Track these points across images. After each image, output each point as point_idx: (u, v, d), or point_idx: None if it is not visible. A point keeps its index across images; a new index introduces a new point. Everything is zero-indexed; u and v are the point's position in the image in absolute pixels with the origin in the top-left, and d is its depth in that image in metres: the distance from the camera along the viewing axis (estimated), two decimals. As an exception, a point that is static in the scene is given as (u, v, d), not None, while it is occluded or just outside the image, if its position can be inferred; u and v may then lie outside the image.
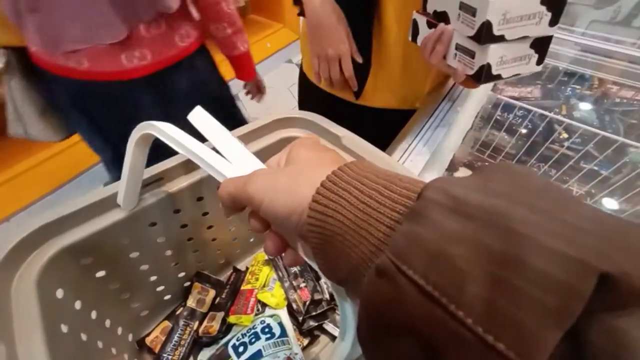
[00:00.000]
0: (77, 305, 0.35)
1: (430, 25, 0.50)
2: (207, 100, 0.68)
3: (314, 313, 0.47)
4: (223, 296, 0.50)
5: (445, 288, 0.12)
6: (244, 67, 0.91)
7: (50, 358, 0.26)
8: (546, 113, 0.61)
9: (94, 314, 0.37)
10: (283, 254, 0.23)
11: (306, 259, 0.22)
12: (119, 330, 0.42)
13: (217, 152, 0.28)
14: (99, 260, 0.37)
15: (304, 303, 0.47)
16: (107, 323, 0.39)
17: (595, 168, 0.64)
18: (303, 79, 0.81)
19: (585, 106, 0.79)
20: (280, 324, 0.46)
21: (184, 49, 0.74)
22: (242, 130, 0.43)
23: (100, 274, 0.38)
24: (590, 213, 0.12)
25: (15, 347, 0.26)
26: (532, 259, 0.11)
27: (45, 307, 0.29)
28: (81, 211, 0.33)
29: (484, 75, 0.46)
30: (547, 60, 0.66)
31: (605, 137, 0.56)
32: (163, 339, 0.45)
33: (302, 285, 0.49)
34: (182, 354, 0.44)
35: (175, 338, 0.45)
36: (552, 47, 0.59)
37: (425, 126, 0.66)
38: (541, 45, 0.46)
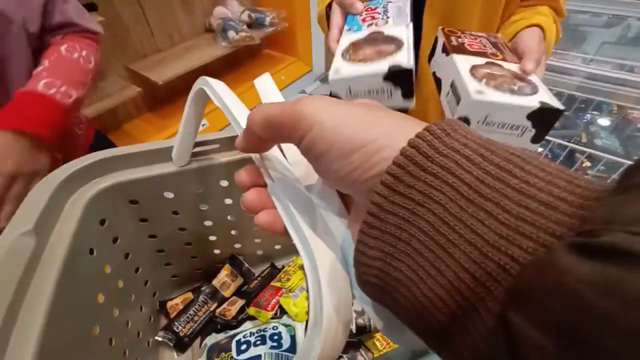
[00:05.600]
0: (114, 240, 0.37)
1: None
2: None
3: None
4: (251, 286, 0.48)
5: None
6: None
7: (66, 272, 0.28)
8: (565, 143, 0.63)
9: (127, 255, 0.39)
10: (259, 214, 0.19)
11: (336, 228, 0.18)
12: (146, 283, 0.43)
13: None
14: (144, 206, 0.39)
15: (324, 324, 0.41)
16: (137, 270, 0.41)
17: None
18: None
19: (606, 133, 0.77)
20: (293, 338, 0.40)
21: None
22: None
23: (144, 221, 0.40)
24: None
25: (44, 246, 0.28)
26: None
27: (82, 228, 0.31)
28: (137, 155, 0.36)
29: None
30: (562, 89, 0.78)
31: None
32: (181, 308, 0.45)
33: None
34: (192, 329, 0.43)
35: (191, 312, 0.44)
36: (565, 76, 0.70)
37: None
38: (542, 122, 0.30)
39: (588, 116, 0.81)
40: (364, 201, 0.13)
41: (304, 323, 0.42)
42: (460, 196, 0.10)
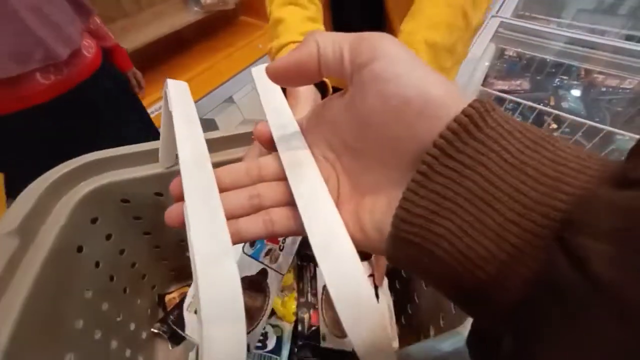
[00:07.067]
0: (107, 237, 0.38)
1: None
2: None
3: (314, 343, 0.39)
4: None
5: None
6: (123, 56, 0.99)
7: (47, 270, 0.29)
8: (535, 105, 0.64)
9: (122, 251, 0.40)
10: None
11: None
12: (144, 277, 0.45)
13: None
14: (136, 205, 0.40)
15: (310, 327, 0.40)
16: (133, 265, 0.43)
17: (583, 155, 0.64)
18: None
19: (572, 97, 0.82)
20: (279, 339, 0.40)
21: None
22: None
23: (137, 219, 0.41)
24: None
25: (28, 246, 0.30)
26: None
27: (70, 227, 0.33)
28: (126, 156, 0.36)
29: None
30: (534, 53, 0.82)
31: (592, 126, 0.59)
32: (178, 301, 0.47)
33: (318, 306, 0.42)
34: (185, 324, 0.44)
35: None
36: (540, 39, 0.77)
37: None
38: None
39: (557, 80, 0.85)
40: (388, 160, 0.15)
41: (292, 324, 0.42)
42: (504, 162, 0.12)
